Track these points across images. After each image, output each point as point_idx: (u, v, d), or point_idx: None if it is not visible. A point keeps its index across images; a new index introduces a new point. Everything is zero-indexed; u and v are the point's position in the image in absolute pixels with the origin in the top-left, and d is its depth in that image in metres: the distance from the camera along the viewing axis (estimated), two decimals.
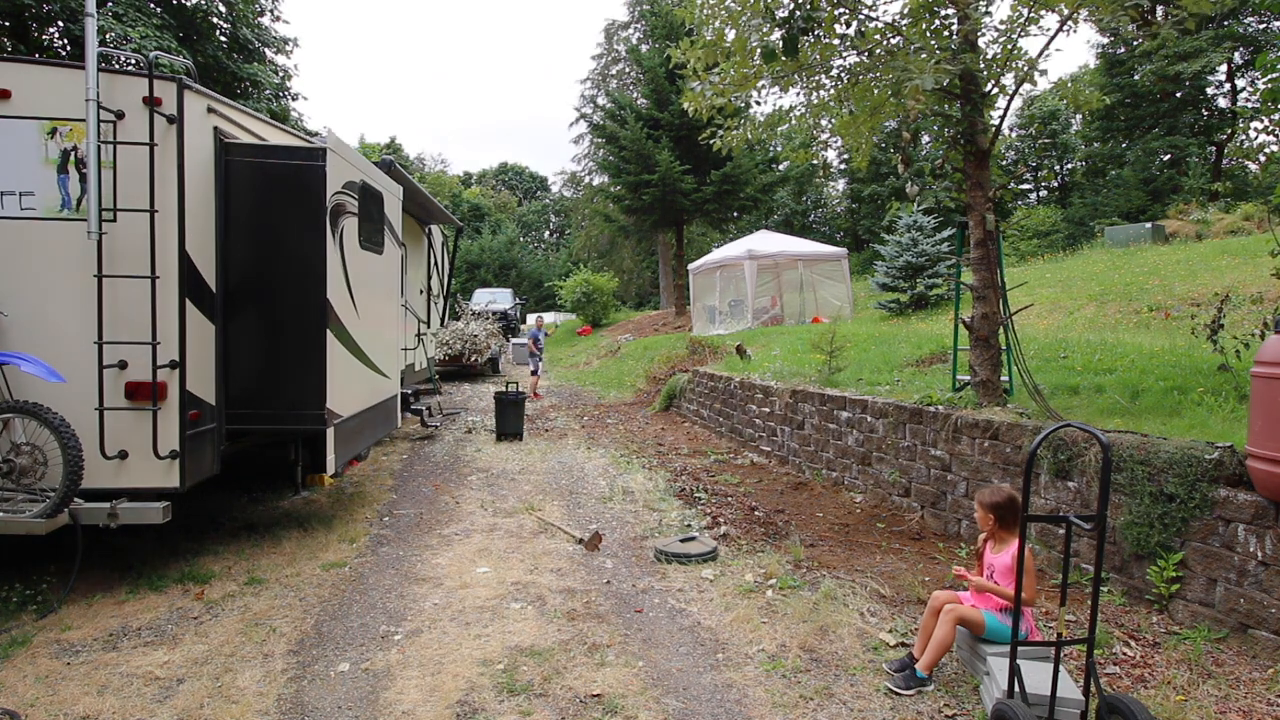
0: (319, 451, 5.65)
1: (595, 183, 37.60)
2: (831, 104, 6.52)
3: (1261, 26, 26.07)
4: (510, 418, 10.39)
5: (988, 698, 3.28)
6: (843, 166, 37.56)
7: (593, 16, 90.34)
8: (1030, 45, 32.88)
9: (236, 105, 5.57)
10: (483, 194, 59.11)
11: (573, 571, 5.16)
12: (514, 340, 22.39)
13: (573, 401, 15.00)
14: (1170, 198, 25.84)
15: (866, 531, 6.00)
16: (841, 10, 5.75)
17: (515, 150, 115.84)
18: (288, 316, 5.34)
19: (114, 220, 4.55)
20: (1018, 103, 27.95)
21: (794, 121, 7.19)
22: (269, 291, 5.30)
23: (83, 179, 4.55)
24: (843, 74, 6.28)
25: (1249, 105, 24.05)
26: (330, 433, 5.54)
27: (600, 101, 32.09)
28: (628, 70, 38.37)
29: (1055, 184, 38.24)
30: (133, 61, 5.44)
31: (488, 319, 19.61)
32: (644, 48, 29.45)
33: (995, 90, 5.94)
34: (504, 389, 10.51)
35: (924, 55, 5.53)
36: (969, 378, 6.16)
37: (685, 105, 6.34)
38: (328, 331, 5.40)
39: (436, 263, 13.20)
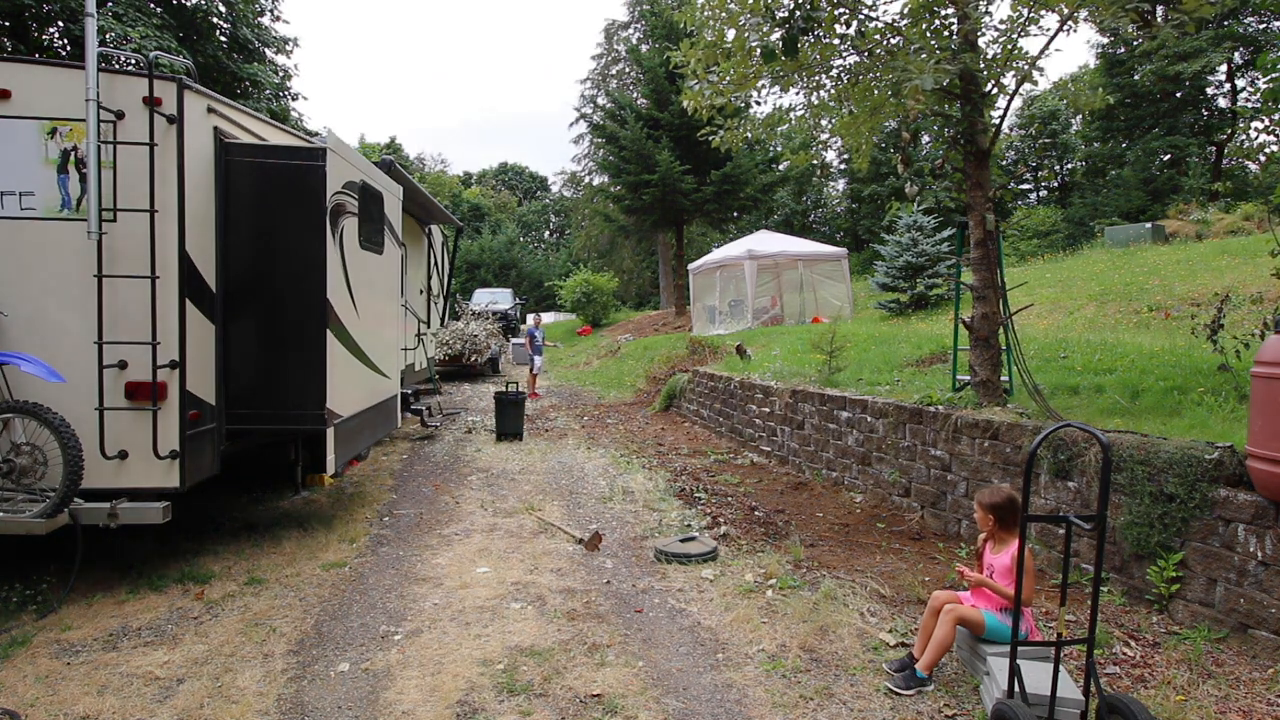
0: (319, 451, 5.65)
1: (595, 183, 37.59)
2: (831, 104, 6.52)
3: (1261, 26, 26.07)
4: (510, 418, 10.39)
5: (988, 698, 3.28)
6: (843, 166, 37.58)
7: (593, 16, 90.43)
8: (1030, 45, 32.88)
9: (236, 105, 5.57)
10: (483, 194, 59.12)
11: (573, 571, 5.16)
12: (514, 340, 22.39)
13: (573, 401, 15.00)
14: (1170, 198, 25.83)
15: (866, 531, 6.00)
16: (841, 10, 5.75)
17: (515, 150, 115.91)
18: (288, 316, 5.33)
19: (114, 220, 4.55)
20: (1018, 103, 27.97)
21: (794, 121, 7.19)
22: (269, 291, 5.30)
23: (83, 179, 4.55)
24: (843, 74, 6.28)
25: (1249, 105, 24.06)
26: (330, 433, 5.54)
27: (600, 101, 32.10)
28: (628, 70, 38.37)
29: (1055, 184, 38.23)
30: (133, 61, 5.44)
31: (488, 319, 19.61)
32: (644, 48, 29.45)
33: (995, 90, 5.94)
34: (504, 389, 10.51)
35: (924, 55, 5.53)
36: (969, 378, 6.16)
37: (685, 104, 6.34)
38: (328, 331, 5.40)
39: (436, 263, 13.20)
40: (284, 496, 7.04)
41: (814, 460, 7.95)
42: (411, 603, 4.62)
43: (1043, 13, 5.61)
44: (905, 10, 5.79)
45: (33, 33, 15.84)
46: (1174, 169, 28.28)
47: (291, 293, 5.33)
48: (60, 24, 15.67)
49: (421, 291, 11.83)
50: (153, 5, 16.13)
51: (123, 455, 4.59)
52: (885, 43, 6.01)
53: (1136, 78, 28.14)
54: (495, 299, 28.52)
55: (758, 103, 6.93)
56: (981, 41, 5.83)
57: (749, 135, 6.83)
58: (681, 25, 6.39)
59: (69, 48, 15.77)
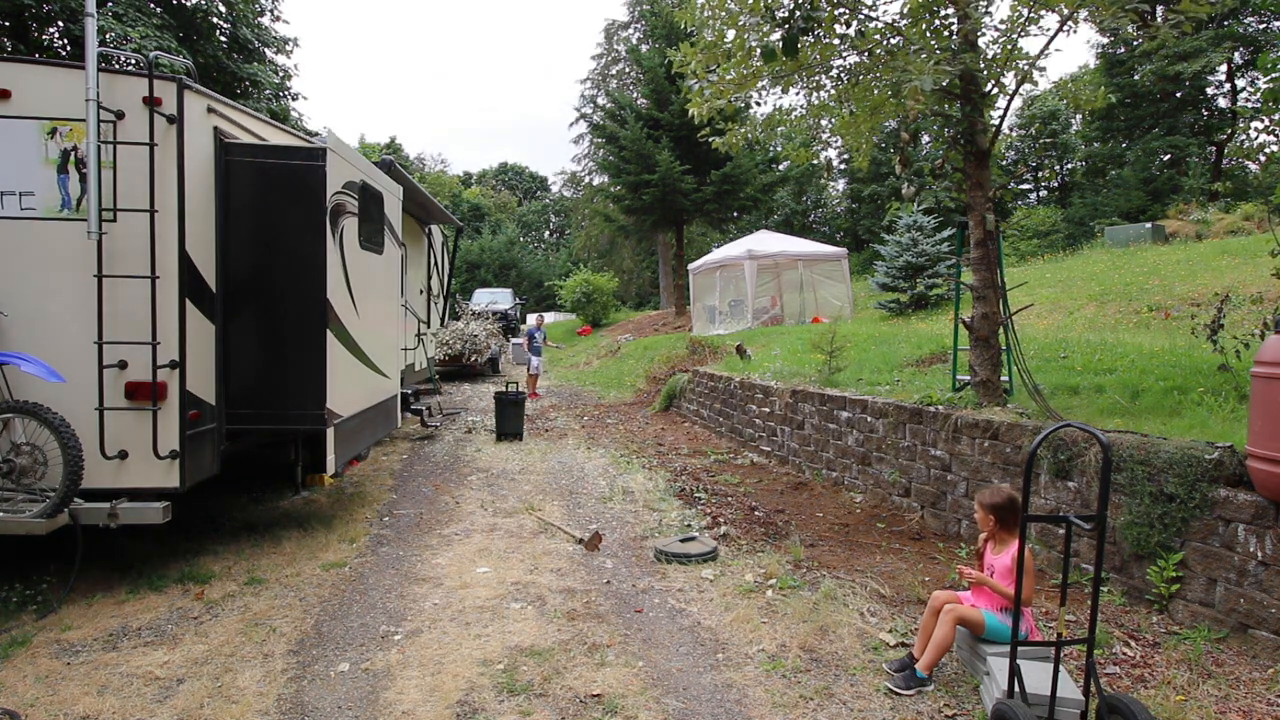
0: (319, 451, 5.65)
1: (595, 183, 37.61)
2: (832, 104, 6.53)
3: (1261, 26, 26.08)
4: (510, 418, 10.39)
5: (988, 698, 3.28)
6: (843, 167, 37.56)
7: (593, 16, 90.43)
8: (1030, 45, 32.90)
9: (236, 105, 5.57)
10: (483, 194, 59.12)
11: (573, 571, 5.16)
12: (514, 340, 22.39)
13: (573, 401, 15.00)
14: (1170, 198, 25.84)
15: (866, 531, 6.00)
16: (841, 10, 5.75)
17: (515, 150, 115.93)
18: (288, 316, 5.33)
19: (114, 220, 4.55)
20: (1018, 103, 27.94)
21: (794, 121, 7.19)
22: (269, 291, 5.30)
23: (83, 179, 4.55)
24: (843, 74, 6.28)
25: (1249, 105, 24.07)
26: (330, 433, 5.54)
27: (600, 101, 32.09)
28: (628, 70, 38.38)
29: (1055, 184, 38.24)
30: (133, 61, 5.44)
31: (488, 319, 19.61)
32: (644, 48, 29.44)
33: (995, 90, 5.94)
34: (504, 389, 10.51)
35: (924, 55, 5.53)
36: (969, 378, 6.16)
37: (690, 110, 6.33)
38: (328, 331, 5.40)
39: (436, 263, 13.20)
40: (284, 496, 7.04)
41: (814, 460, 7.95)
42: (411, 603, 4.62)
43: (1043, 13, 5.61)
44: (905, 10, 5.79)
45: (33, 33, 15.84)
46: (1174, 169, 28.28)
47: (291, 293, 5.33)
48: (60, 24, 15.67)
49: (421, 291, 11.83)
50: (153, 5, 16.13)
51: (123, 455, 4.59)
52: (885, 43, 6.01)
53: (1136, 78, 28.15)
54: (495, 299, 28.51)
55: (758, 103, 6.94)
56: (981, 41, 5.83)
57: (749, 136, 6.83)
58: (682, 26, 6.39)
59: (69, 48, 15.77)
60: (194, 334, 4.83)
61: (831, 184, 42.14)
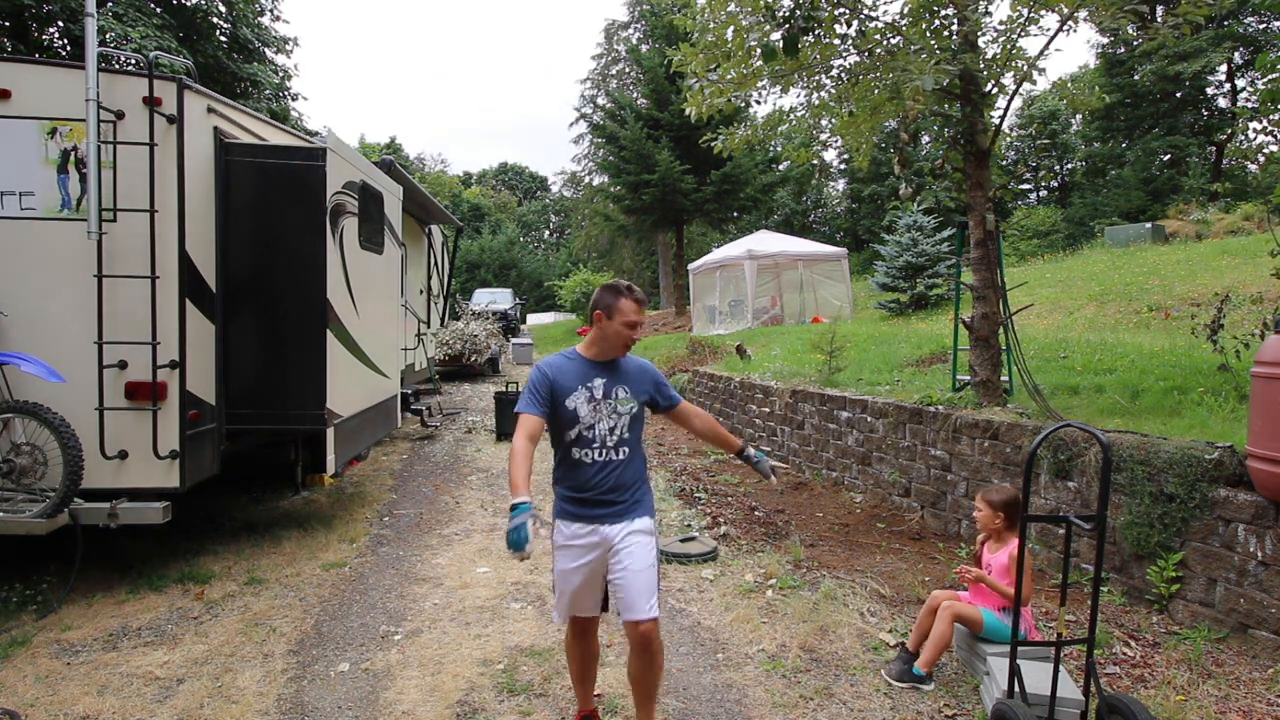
0: (319, 451, 5.65)
1: (595, 183, 37.57)
2: (832, 104, 6.52)
3: (1261, 26, 26.08)
4: (510, 418, 10.34)
5: (988, 697, 3.28)
6: (843, 166, 37.57)
7: (593, 16, 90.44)
8: (1030, 45, 32.92)
9: (236, 105, 5.57)
10: (483, 194, 59.12)
11: None
12: (514, 340, 22.38)
13: None
14: (1170, 198, 25.84)
15: (866, 531, 6.00)
16: (841, 10, 5.75)
17: (515, 150, 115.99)
18: (288, 316, 5.33)
19: (114, 220, 4.55)
20: (1018, 103, 27.96)
21: (794, 121, 7.19)
22: (269, 291, 5.30)
23: (83, 179, 4.54)
24: (843, 74, 6.28)
25: (1248, 105, 24.07)
26: (330, 433, 5.54)
27: (600, 101, 32.07)
28: (628, 70, 38.36)
29: (1055, 184, 38.24)
30: (133, 61, 5.44)
31: (488, 319, 19.60)
32: (644, 48, 29.43)
33: (995, 90, 5.94)
34: (504, 389, 10.50)
35: (924, 55, 5.53)
36: (969, 378, 6.16)
37: (688, 110, 6.33)
38: (328, 331, 5.40)
39: (436, 263, 13.20)
40: (284, 496, 7.04)
41: (814, 460, 7.95)
42: (411, 603, 4.61)
43: (1043, 13, 5.62)
44: (905, 10, 5.79)
45: (33, 33, 15.83)
46: (1174, 169, 28.29)
47: (291, 293, 5.33)
48: (60, 24, 15.67)
49: (421, 291, 11.83)
50: (153, 5, 16.12)
51: (123, 455, 4.59)
52: (885, 43, 6.01)
53: (1136, 78, 28.15)
54: (495, 299, 28.49)
55: (758, 103, 6.95)
56: (981, 41, 5.83)
57: (750, 137, 6.83)
58: (681, 28, 6.39)
59: (69, 48, 15.77)
60: (194, 334, 4.83)
61: (831, 184, 42.16)
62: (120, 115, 4.54)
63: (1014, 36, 5.73)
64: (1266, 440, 3.42)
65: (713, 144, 6.81)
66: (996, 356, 5.96)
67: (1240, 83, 28.52)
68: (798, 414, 8.35)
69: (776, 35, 5.60)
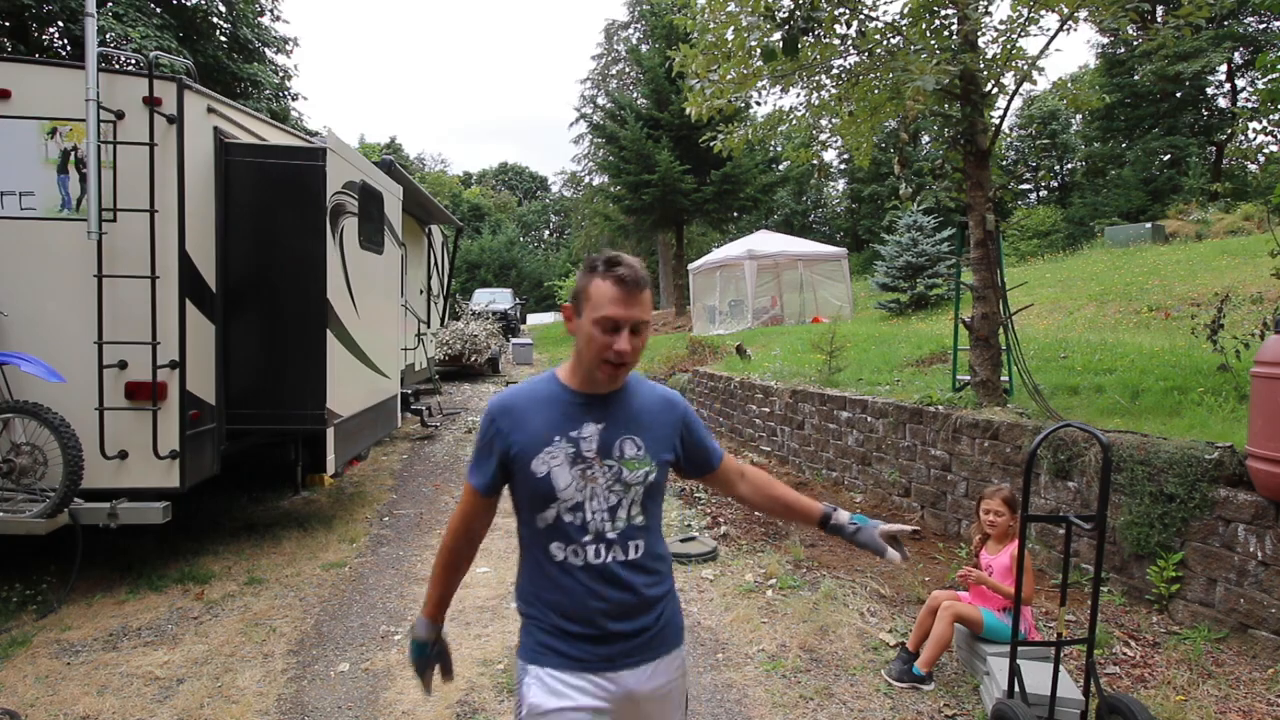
0: (319, 451, 5.65)
1: (595, 183, 37.56)
2: (832, 104, 6.53)
3: (1261, 26, 26.08)
4: None
5: (988, 697, 3.28)
6: (843, 167, 37.56)
7: (593, 16, 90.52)
8: (1030, 45, 32.91)
9: (236, 105, 5.57)
10: (483, 194, 59.13)
11: None
12: (514, 340, 22.38)
13: None
14: (1170, 198, 25.85)
15: None
16: (841, 10, 5.75)
17: (515, 150, 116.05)
18: (288, 316, 5.33)
19: (114, 220, 4.55)
20: (1018, 103, 27.97)
21: (794, 122, 7.19)
22: (269, 291, 5.30)
23: (83, 179, 4.54)
24: (843, 74, 6.28)
25: (1248, 105, 24.08)
26: (330, 433, 5.54)
27: (600, 101, 32.10)
28: (628, 70, 38.36)
29: (1055, 184, 38.24)
30: (133, 61, 5.45)
31: (488, 319, 19.60)
32: (644, 48, 29.46)
33: (995, 90, 5.95)
34: (504, 389, 10.49)
35: (924, 55, 5.54)
36: (969, 378, 6.16)
37: (688, 110, 6.33)
38: (328, 331, 5.40)
39: (436, 263, 13.20)
40: (284, 496, 7.04)
41: (814, 460, 7.95)
42: (412, 603, 4.61)
43: (1043, 13, 5.62)
44: (905, 10, 5.79)
45: (33, 33, 15.84)
46: (1174, 169, 28.29)
47: (291, 293, 5.33)
48: (60, 24, 15.68)
49: (421, 291, 11.83)
50: (153, 5, 16.13)
51: (123, 455, 4.59)
52: (885, 43, 6.01)
53: (1136, 78, 28.16)
54: (495, 299, 28.49)
55: (758, 103, 6.96)
56: (981, 41, 5.83)
57: (750, 137, 6.83)
58: (682, 29, 6.39)
59: (69, 48, 15.78)
60: (194, 334, 4.83)
61: (831, 184, 42.15)
62: (120, 115, 4.54)
63: (1014, 36, 5.73)
64: (1266, 440, 3.42)
65: (712, 143, 6.81)
66: (996, 356, 5.96)
67: (1240, 83, 28.54)
68: (798, 414, 8.35)
69: (776, 35, 5.60)
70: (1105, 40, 29.03)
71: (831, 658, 3.82)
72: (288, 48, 19.88)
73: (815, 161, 7.05)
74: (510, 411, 1.76)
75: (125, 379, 4.60)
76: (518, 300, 31.93)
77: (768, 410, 9.09)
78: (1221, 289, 9.00)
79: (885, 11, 19.33)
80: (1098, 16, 5.34)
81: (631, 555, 1.72)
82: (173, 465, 4.65)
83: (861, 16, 5.80)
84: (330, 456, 5.60)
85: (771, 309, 18.46)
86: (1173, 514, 4.02)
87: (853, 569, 5.09)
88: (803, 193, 41.54)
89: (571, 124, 57.27)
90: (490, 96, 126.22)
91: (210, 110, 5.04)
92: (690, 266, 21.45)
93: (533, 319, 41.29)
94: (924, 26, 5.91)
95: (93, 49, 4.35)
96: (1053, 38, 5.62)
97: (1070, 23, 5.50)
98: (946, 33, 5.90)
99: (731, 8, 5.92)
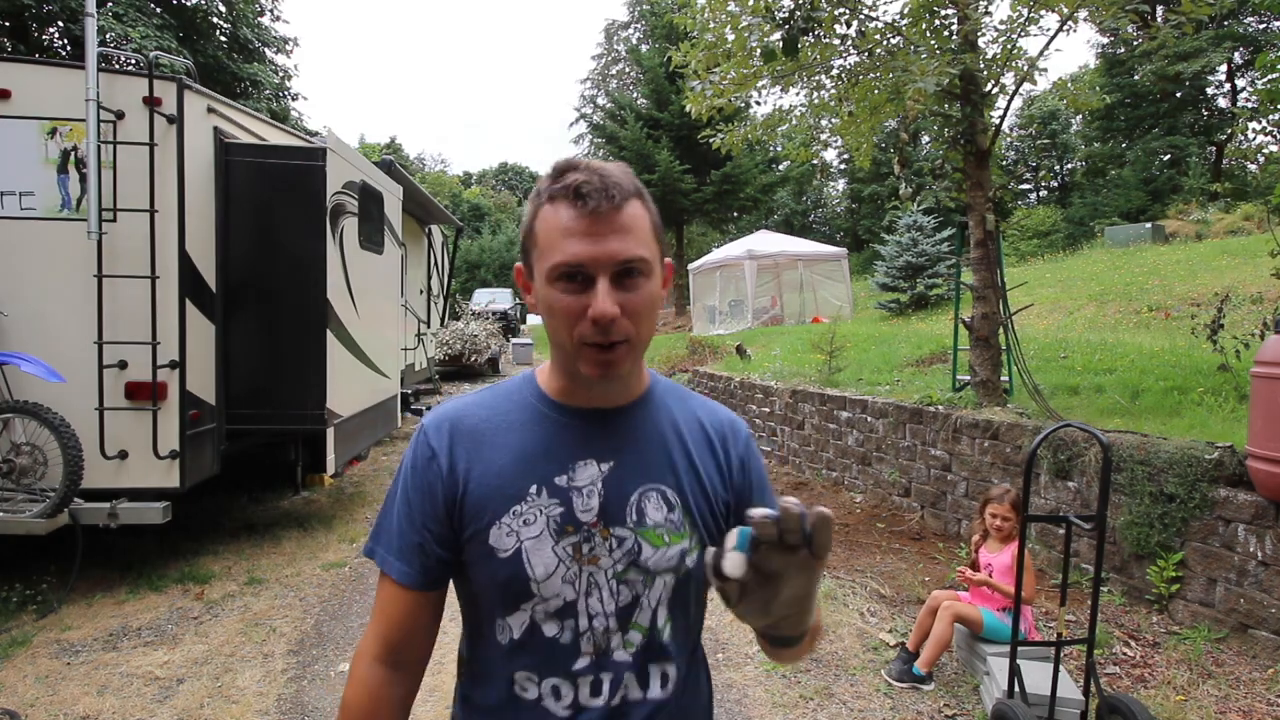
0: (319, 451, 5.64)
1: None
2: (832, 104, 6.53)
3: (1261, 26, 26.07)
4: None
5: (988, 697, 3.28)
6: (843, 167, 37.57)
7: (593, 16, 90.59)
8: (1030, 45, 32.90)
9: (236, 105, 5.57)
10: (483, 194, 59.14)
11: None
12: (514, 340, 22.38)
13: None
14: (1170, 198, 25.84)
15: (866, 531, 6.00)
16: (841, 10, 5.75)
17: (515, 150, 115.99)
18: (288, 316, 5.33)
19: (114, 220, 4.54)
20: (1018, 103, 27.93)
21: (794, 121, 7.20)
22: (269, 291, 5.30)
23: (83, 179, 4.54)
24: (843, 74, 6.28)
25: (1248, 105, 24.09)
26: (330, 433, 5.54)
27: (600, 101, 32.13)
28: (628, 70, 38.40)
29: (1055, 184, 38.24)
30: (133, 61, 5.45)
31: (488, 319, 19.60)
32: (644, 48, 29.46)
33: (995, 90, 5.95)
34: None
35: (924, 56, 5.54)
36: (969, 378, 6.16)
37: (688, 108, 6.34)
38: (328, 331, 5.40)
39: (436, 263, 13.20)
40: (284, 496, 7.03)
41: (814, 460, 7.95)
42: None
43: (1043, 13, 5.62)
44: (905, 10, 5.79)
45: (33, 33, 15.84)
46: (1174, 169, 28.28)
47: (291, 293, 5.33)
48: (60, 24, 15.68)
49: (421, 291, 11.82)
50: (153, 5, 16.13)
51: (123, 455, 4.58)
52: (885, 43, 6.01)
53: (1136, 78, 28.14)
54: (495, 299, 28.50)
55: (758, 103, 6.96)
56: (981, 41, 5.84)
57: (749, 137, 6.83)
58: (681, 28, 6.39)
59: (69, 48, 15.78)
60: (194, 334, 4.82)
61: (831, 184, 42.16)
62: (120, 115, 4.54)
63: (1014, 36, 5.74)
64: (1266, 440, 3.42)
65: (711, 140, 6.81)
66: (996, 356, 5.96)
67: (1240, 83, 28.52)
68: (798, 414, 8.34)
69: (776, 36, 5.61)
70: (1105, 40, 29.02)
71: (831, 658, 3.82)
72: (288, 48, 19.90)
73: (816, 161, 7.06)
74: (464, 435, 1.04)
75: (125, 379, 4.60)
76: (518, 300, 31.94)
77: (768, 410, 9.09)
78: (1221, 289, 9.00)
79: (885, 11, 19.33)
80: (1098, 16, 5.34)
81: (655, 692, 1.02)
82: (173, 465, 4.65)
83: (861, 16, 5.81)
84: (330, 456, 5.60)
85: (771, 309, 18.47)
86: (1173, 514, 4.02)
87: (853, 569, 5.09)
88: (803, 193, 41.54)
89: (571, 124, 57.34)
90: (491, 97, 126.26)
91: (210, 110, 5.03)
92: (690, 266, 21.45)
93: (533, 319, 41.26)
94: (924, 27, 5.91)
95: (93, 49, 4.35)
96: (1053, 38, 5.63)
97: (1070, 23, 5.50)
98: (946, 33, 5.91)
99: (732, 7, 5.92)
